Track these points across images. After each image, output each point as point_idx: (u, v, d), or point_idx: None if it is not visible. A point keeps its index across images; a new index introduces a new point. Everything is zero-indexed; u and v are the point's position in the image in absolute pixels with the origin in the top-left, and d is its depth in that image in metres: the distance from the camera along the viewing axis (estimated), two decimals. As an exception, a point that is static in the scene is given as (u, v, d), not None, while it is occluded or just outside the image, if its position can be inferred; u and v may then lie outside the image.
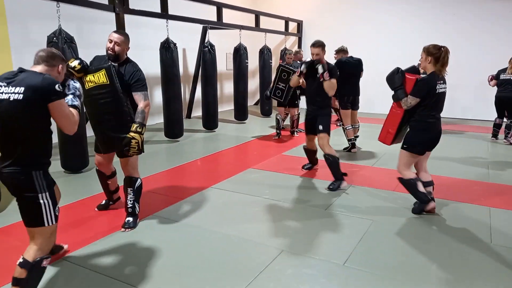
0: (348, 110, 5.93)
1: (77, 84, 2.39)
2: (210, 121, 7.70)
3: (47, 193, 2.15)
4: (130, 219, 3.30)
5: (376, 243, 3.09)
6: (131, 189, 3.29)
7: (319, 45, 4.28)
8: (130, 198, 3.29)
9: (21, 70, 2.10)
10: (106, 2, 5.54)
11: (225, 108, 10.47)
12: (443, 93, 3.45)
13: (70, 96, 2.31)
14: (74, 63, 2.96)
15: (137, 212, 3.35)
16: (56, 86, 2.07)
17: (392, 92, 3.53)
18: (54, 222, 2.19)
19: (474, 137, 7.42)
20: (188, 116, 9.44)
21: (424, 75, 3.51)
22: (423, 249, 2.99)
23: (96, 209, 3.69)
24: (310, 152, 4.94)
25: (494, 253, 2.94)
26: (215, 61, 7.48)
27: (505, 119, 6.89)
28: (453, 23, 9.37)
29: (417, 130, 3.49)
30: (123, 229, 3.25)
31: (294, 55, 7.05)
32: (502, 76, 6.67)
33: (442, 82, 3.40)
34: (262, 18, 9.39)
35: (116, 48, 3.11)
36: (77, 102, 2.32)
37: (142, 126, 2.98)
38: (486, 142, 6.98)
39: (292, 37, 11.30)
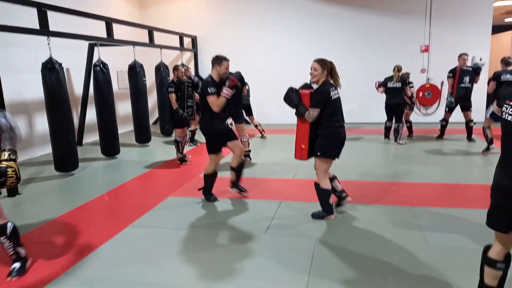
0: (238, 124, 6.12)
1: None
2: (110, 146, 6.87)
3: None
4: (17, 265, 2.88)
5: (327, 265, 2.94)
6: (4, 237, 2.77)
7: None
8: (8, 246, 2.83)
9: None
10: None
11: (120, 130, 9.53)
12: (338, 99, 3.66)
13: None
14: None
15: (23, 256, 2.93)
16: None
17: (294, 110, 3.69)
18: None
19: (368, 139, 8.06)
20: (79, 143, 8.33)
21: (317, 87, 3.71)
22: (373, 262, 2.96)
23: None
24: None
25: (435, 254, 3.03)
26: (110, 81, 6.72)
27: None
28: (337, 39, 10.24)
29: (327, 136, 3.64)
30: (9, 278, 2.79)
31: (183, 72, 6.55)
32: (389, 85, 7.37)
33: (334, 88, 3.64)
34: (156, 33, 8.85)
35: None
36: None
37: (15, 153, 2.67)
38: (381, 144, 7.65)
39: (188, 52, 10.98)
